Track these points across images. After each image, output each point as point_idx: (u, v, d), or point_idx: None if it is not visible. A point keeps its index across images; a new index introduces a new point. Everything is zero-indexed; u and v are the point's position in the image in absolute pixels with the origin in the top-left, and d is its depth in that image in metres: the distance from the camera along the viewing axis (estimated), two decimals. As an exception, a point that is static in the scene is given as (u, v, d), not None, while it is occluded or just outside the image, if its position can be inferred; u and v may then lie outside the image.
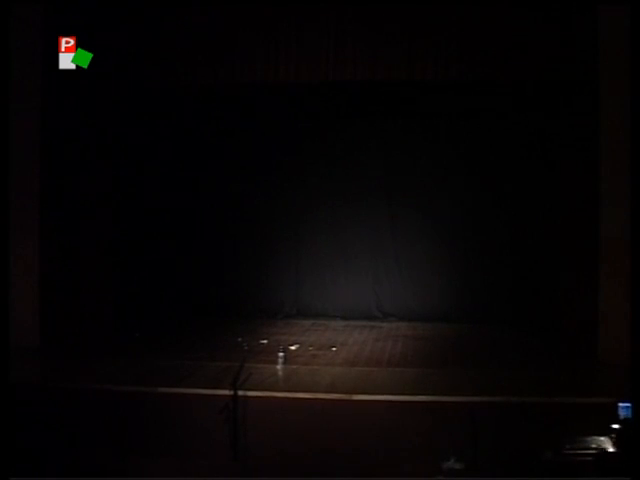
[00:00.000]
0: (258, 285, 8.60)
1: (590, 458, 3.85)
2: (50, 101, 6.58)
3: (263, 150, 8.58)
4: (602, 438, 4.04)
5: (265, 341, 7.14)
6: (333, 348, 6.88)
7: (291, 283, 8.69)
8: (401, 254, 8.52)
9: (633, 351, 4.09)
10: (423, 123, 8.33)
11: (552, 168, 7.54)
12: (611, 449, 3.95)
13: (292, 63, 6.12)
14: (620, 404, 4.01)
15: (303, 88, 6.82)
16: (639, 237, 4.43)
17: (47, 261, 6.65)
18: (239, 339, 7.18)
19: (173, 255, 8.52)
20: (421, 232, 8.37)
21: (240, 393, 4.83)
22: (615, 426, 3.99)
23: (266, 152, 8.57)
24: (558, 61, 6.14)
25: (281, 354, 6.09)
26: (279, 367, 5.96)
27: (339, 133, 8.48)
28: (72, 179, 6.85)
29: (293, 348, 6.74)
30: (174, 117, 8.28)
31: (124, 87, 6.77)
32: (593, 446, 4.00)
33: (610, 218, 6.03)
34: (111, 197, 7.40)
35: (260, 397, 5.00)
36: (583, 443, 4.04)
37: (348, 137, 8.47)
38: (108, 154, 7.27)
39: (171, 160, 8.54)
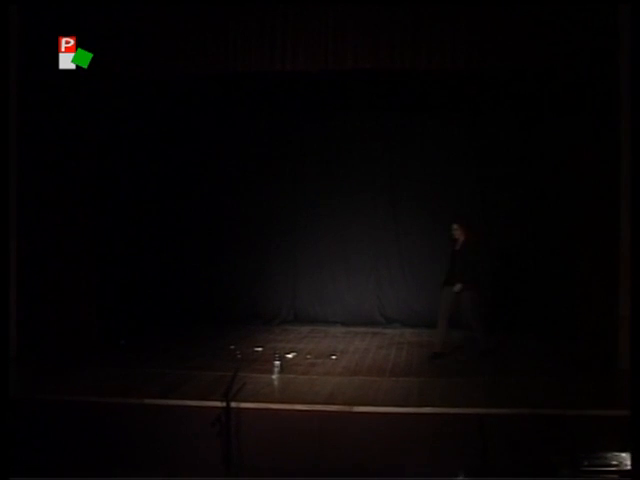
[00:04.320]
0: (253, 289, 8.58)
1: (610, 476, 3.83)
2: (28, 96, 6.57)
3: (259, 150, 8.56)
4: (623, 454, 4.05)
5: (260, 349, 7.14)
6: (333, 356, 6.87)
7: (288, 286, 8.66)
8: (405, 256, 8.51)
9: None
10: (431, 116, 8.28)
11: (569, 169, 7.53)
12: (633, 466, 3.92)
13: (289, 51, 6.06)
14: (642, 417, 3.96)
15: (301, 78, 6.76)
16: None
17: (25, 267, 6.60)
18: (232, 347, 7.17)
19: (161, 258, 8.50)
20: (426, 233, 8.33)
21: (233, 405, 4.80)
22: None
23: (263, 151, 8.55)
24: (575, 51, 6.11)
25: (277, 363, 6.07)
26: (275, 377, 5.94)
27: (339, 128, 8.43)
28: (52, 181, 6.81)
29: (290, 356, 6.74)
30: (164, 116, 8.29)
31: (111, 80, 6.78)
32: (613, 463, 4.03)
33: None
34: (96, 200, 7.38)
35: (254, 409, 4.98)
36: (602, 459, 4.07)
37: (348, 133, 8.43)
38: (92, 154, 7.24)
39: (162, 161, 8.53)
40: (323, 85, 7.24)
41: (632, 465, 3.56)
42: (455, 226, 6.78)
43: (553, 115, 7.74)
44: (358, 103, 8.09)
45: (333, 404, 5.09)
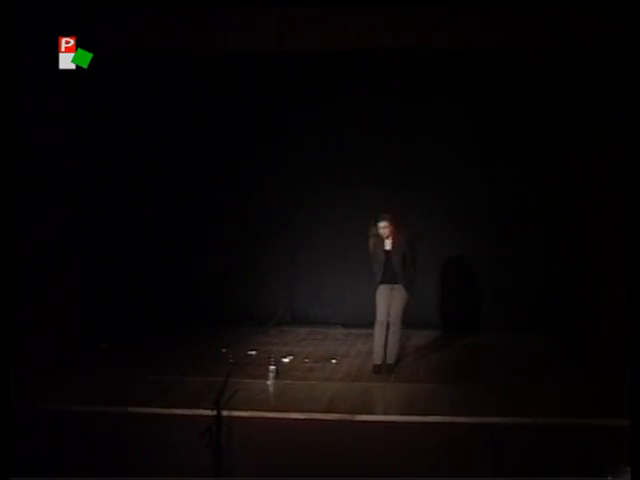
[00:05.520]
0: (246, 287, 8.25)
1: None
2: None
3: (257, 147, 8.26)
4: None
5: (254, 352, 6.89)
6: (333, 360, 6.64)
7: (284, 285, 8.33)
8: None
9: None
10: (431, 112, 7.94)
11: (569, 169, 7.31)
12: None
13: (284, 29, 5.77)
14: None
15: (297, 59, 6.51)
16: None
17: (24, 267, 6.29)
18: (223, 350, 6.94)
19: (149, 255, 8.17)
20: (429, 229, 7.88)
21: (224, 413, 4.57)
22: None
23: (260, 147, 8.24)
24: (574, 51, 5.93)
25: (272, 367, 5.85)
26: (270, 382, 5.75)
27: (337, 119, 8.06)
28: (51, 181, 6.61)
29: (286, 360, 6.52)
30: (164, 115, 8.11)
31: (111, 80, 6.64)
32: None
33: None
34: (96, 200, 7.25)
35: (248, 417, 4.79)
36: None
37: (347, 125, 8.06)
38: (92, 154, 7.09)
39: (151, 156, 8.25)
40: (322, 67, 6.96)
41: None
42: (383, 224, 5.98)
43: (553, 115, 7.56)
44: (357, 91, 7.77)
45: (333, 412, 4.88)
